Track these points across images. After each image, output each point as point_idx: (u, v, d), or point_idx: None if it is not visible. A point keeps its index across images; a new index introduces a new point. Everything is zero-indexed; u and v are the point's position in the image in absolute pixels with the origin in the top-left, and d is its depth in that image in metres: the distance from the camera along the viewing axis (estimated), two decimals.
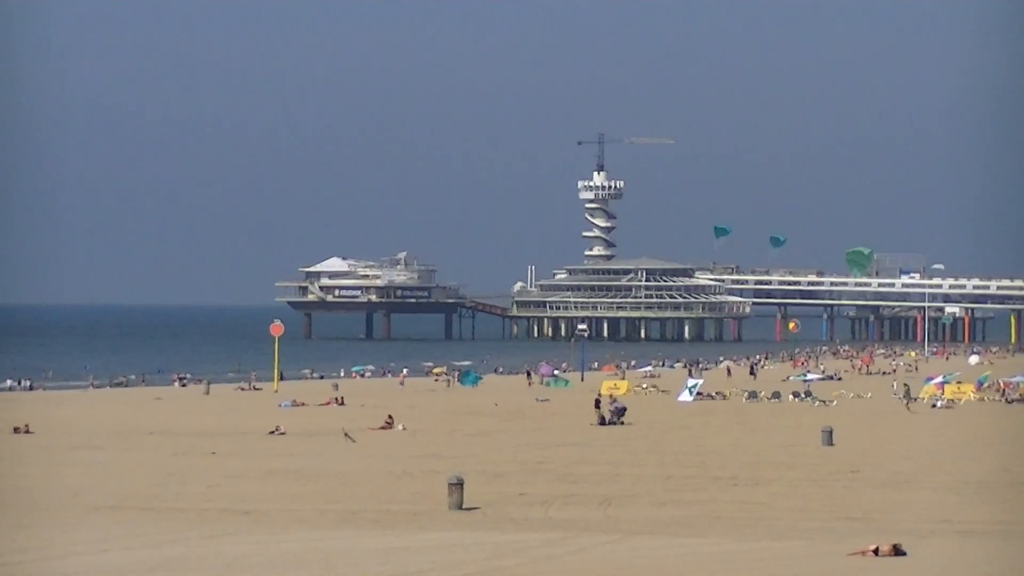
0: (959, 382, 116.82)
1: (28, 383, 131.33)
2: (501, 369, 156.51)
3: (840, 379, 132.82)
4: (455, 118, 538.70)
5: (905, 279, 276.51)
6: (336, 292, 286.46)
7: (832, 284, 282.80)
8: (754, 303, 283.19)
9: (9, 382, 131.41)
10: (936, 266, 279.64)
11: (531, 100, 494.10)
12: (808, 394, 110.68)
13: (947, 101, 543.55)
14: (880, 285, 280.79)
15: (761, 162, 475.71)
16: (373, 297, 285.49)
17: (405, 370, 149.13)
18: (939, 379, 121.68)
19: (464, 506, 48.70)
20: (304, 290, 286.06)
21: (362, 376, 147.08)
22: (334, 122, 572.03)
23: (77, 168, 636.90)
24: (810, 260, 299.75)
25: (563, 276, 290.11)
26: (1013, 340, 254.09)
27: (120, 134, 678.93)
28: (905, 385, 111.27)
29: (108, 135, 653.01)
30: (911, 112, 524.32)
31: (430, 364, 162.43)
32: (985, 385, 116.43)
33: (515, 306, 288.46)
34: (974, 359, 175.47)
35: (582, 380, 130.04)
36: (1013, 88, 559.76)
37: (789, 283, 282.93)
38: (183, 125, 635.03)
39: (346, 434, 76.34)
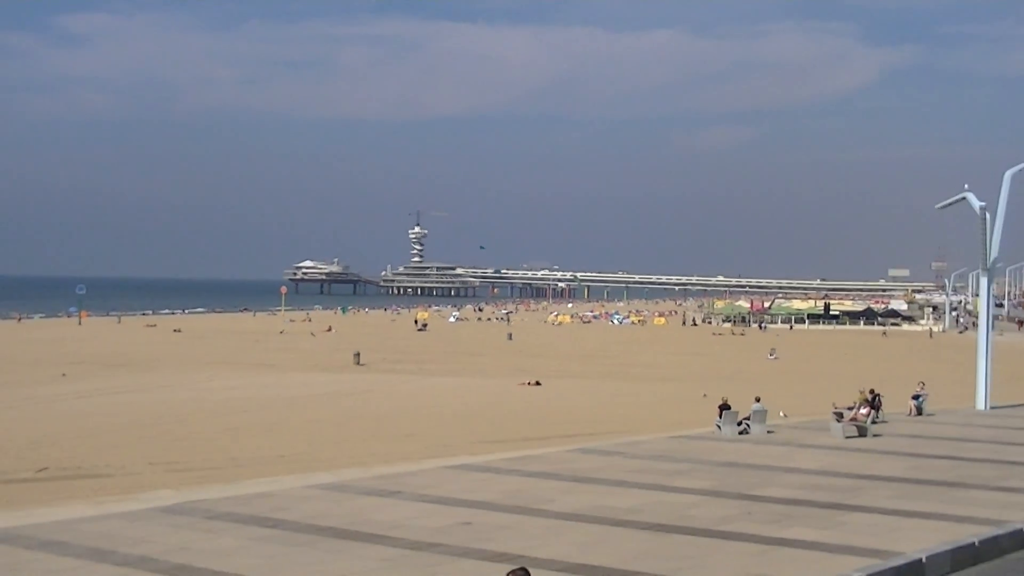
0: (562, 315, 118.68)
1: (178, 310, 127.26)
2: (375, 308, 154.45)
3: (516, 313, 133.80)
4: (361, 199, 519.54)
5: (543, 272, 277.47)
6: (309, 274, 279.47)
7: (512, 273, 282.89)
8: (480, 281, 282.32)
9: (166, 310, 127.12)
10: (555, 266, 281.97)
11: (391, 193, 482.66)
12: (502, 319, 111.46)
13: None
14: (532, 274, 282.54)
15: (488, 215, 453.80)
16: (324, 277, 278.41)
17: (339, 308, 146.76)
18: (555, 313, 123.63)
19: (360, 363, 48.50)
20: (295, 273, 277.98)
21: (319, 310, 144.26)
22: (313, 188, 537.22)
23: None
24: (515, 260, 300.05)
25: (402, 270, 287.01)
26: (586, 297, 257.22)
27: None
28: (507, 313, 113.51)
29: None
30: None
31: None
32: (574, 315, 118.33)
33: (383, 281, 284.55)
34: (570, 306, 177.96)
35: (409, 312, 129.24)
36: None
37: (495, 273, 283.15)
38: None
39: (312, 333, 75.30)
